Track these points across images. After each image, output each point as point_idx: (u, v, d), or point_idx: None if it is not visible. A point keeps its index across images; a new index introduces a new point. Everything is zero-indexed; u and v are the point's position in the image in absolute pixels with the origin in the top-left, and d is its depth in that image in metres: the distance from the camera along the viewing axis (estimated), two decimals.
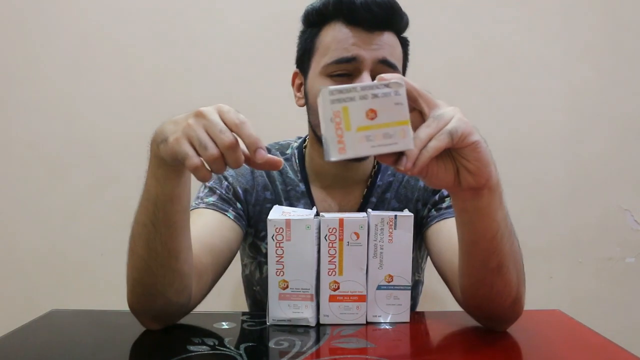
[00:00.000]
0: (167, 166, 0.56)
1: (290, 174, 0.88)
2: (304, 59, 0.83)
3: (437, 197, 0.82)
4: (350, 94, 0.43)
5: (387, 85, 0.44)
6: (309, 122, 0.84)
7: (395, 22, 0.78)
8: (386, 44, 0.76)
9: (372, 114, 0.43)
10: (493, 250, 0.57)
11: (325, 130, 0.45)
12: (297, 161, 0.88)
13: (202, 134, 0.49)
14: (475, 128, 0.51)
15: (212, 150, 0.49)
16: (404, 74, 0.85)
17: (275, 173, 0.87)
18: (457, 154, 0.51)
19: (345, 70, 0.76)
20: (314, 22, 0.80)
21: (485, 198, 0.54)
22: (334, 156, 0.45)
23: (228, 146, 0.49)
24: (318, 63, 0.79)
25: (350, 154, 0.44)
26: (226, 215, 0.79)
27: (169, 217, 0.58)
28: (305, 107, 0.85)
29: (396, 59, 0.78)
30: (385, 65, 0.76)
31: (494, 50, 1.31)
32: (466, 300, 0.66)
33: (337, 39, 0.76)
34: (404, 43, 0.83)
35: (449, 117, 0.49)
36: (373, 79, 0.75)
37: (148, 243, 0.59)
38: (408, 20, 0.81)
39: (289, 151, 0.90)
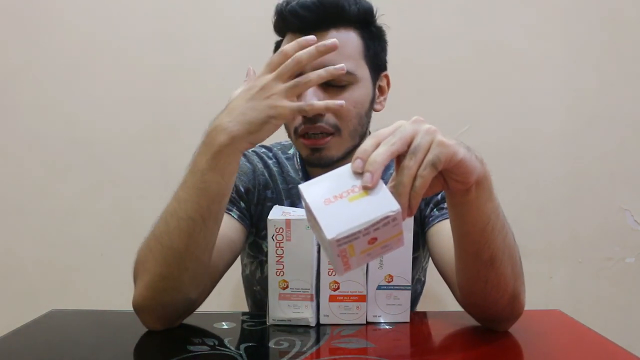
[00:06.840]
0: (236, 161, 0.60)
1: (292, 173, 0.88)
2: None
3: (439, 196, 0.82)
4: (355, 236, 0.44)
5: (386, 219, 0.45)
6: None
7: (336, 16, 0.74)
8: None
9: (373, 240, 0.46)
10: (484, 242, 0.57)
11: (332, 261, 0.48)
12: (298, 160, 0.88)
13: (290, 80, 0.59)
14: (455, 144, 0.49)
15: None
16: (381, 63, 0.83)
17: (276, 172, 0.88)
18: (443, 170, 0.51)
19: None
20: (279, 33, 0.82)
21: (474, 192, 0.54)
22: (342, 274, 0.54)
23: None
24: None
25: (355, 268, 0.49)
26: (230, 214, 0.79)
27: (222, 209, 0.63)
28: None
29: (348, 55, 0.74)
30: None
31: (494, 50, 1.31)
32: (464, 299, 0.66)
33: None
34: (369, 35, 0.79)
35: (426, 145, 0.48)
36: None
37: (191, 237, 0.60)
38: (362, 8, 0.77)
39: (291, 151, 0.91)
